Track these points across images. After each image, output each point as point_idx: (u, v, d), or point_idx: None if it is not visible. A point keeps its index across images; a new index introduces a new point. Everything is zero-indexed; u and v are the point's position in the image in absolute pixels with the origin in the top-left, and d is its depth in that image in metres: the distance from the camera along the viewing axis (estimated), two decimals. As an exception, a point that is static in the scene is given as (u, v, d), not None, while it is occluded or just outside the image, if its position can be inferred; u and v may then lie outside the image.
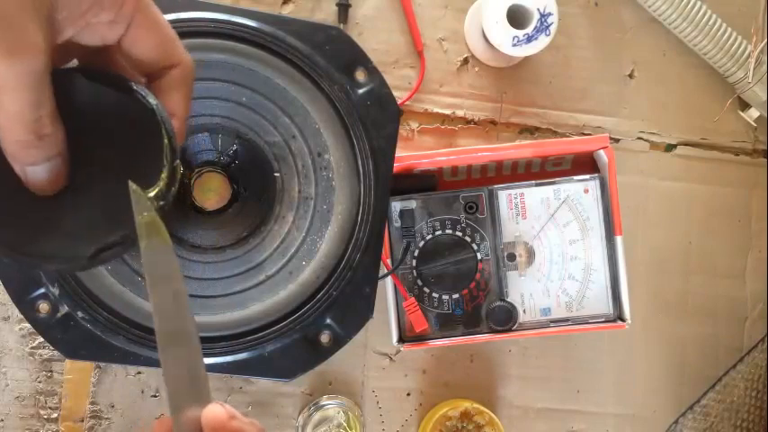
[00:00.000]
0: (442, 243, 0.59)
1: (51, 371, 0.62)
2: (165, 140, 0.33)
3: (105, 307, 0.49)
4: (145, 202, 0.32)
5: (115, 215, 0.33)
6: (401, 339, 0.60)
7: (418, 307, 0.59)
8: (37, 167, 0.31)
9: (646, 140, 0.67)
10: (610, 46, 0.67)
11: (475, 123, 0.66)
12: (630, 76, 0.67)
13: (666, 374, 0.67)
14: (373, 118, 0.51)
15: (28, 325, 0.57)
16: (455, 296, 0.60)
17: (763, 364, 0.64)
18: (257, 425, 0.32)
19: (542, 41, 0.60)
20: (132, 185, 0.32)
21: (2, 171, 0.32)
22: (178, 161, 0.34)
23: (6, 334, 0.62)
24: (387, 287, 0.59)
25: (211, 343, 0.50)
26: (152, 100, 0.33)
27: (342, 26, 0.63)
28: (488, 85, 0.66)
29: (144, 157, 0.33)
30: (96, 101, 0.32)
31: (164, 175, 0.33)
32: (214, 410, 0.31)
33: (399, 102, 0.63)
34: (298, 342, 0.51)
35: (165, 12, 0.47)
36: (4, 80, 0.28)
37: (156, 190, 0.33)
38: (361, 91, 0.51)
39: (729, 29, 0.64)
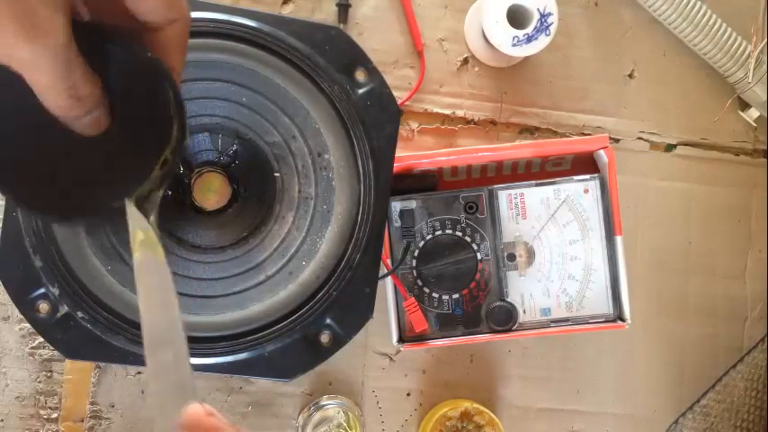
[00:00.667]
0: (442, 243, 0.59)
1: (51, 371, 0.62)
2: (171, 94, 0.34)
3: (105, 307, 0.49)
4: (140, 218, 0.33)
5: (137, 163, 0.34)
6: (401, 339, 0.60)
7: (418, 307, 0.59)
8: (82, 120, 0.33)
9: (646, 140, 0.67)
10: (610, 46, 0.67)
11: (475, 123, 0.66)
12: (630, 76, 0.67)
13: (666, 374, 0.67)
14: (373, 118, 0.51)
15: (28, 325, 0.57)
16: (455, 296, 0.60)
17: (763, 364, 0.64)
18: (236, 426, 0.32)
19: (542, 41, 0.60)
20: (127, 202, 0.33)
21: (21, 136, 0.34)
22: (185, 109, 0.35)
23: (6, 334, 0.62)
24: (387, 287, 0.59)
25: (211, 343, 0.50)
26: (150, 54, 0.34)
27: (342, 26, 0.63)
28: (488, 85, 0.66)
29: (151, 110, 0.34)
30: (98, 57, 0.33)
31: (175, 127, 0.34)
32: (192, 408, 0.31)
33: (399, 102, 0.63)
34: (298, 342, 0.51)
35: (165, 12, 0.47)
36: (30, 62, 0.30)
37: (171, 145, 0.34)
38: (361, 91, 0.51)
39: (729, 29, 0.64)
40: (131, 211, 0.33)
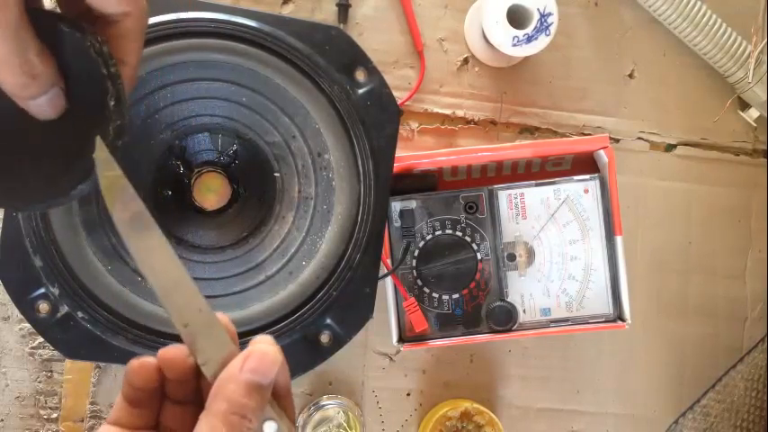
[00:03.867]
0: (442, 243, 0.59)
1: (51, 371, 0.62)
2: (94, 53, 0.34)
3: (105, 307, 0.49)
4: (105, 161, 0.33)
5: (84, 144, 0.34)
6: (401, 339, 0.60)
7: (418, 307, 0.59)
8: (38, 100, 0.34)
9: (646, 140, 0.67)
10: (610, 46, 0.67)
11: (475, 123, 0.66)
12: (630, 76, 0.67)
13: (666, 374, 0.67)
14: (373, 118, 0.51)
15: (28, 325, 0.57)
16: (455, 296, 0.60)
17: (763, 364, 0.64)
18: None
19: (542, 41, 0.60)
20: (98, 142, 0.33)
21: None
22: (117, 70, 0.35)
23: (6, 334, 0.62)
24: (387, 287, 0.59)
25: (211, 343, 0.50)
26: (89, 36, 0.34)
27: (342, 26, 0.63)
28: (488, 85, 0.66)
29: (88, 82, 0.35)
30: (51, 41, 0.34)
31: (111, 103, 0.34)
32: (265, 339, 0.32)
33: (399, 102, 0.63)
34: (298, 342, 0.51)
35: (165, 11, 0.47)
36: None
37: (112, 100, 0.34)
38: (361, 91, 0.51)
39: (729, 29, 0.64)
40: (98, 156, 0.33)
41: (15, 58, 0.31)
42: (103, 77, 0.34)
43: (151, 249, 0.32)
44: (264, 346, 0.32)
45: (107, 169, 0.33)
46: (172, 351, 0.33)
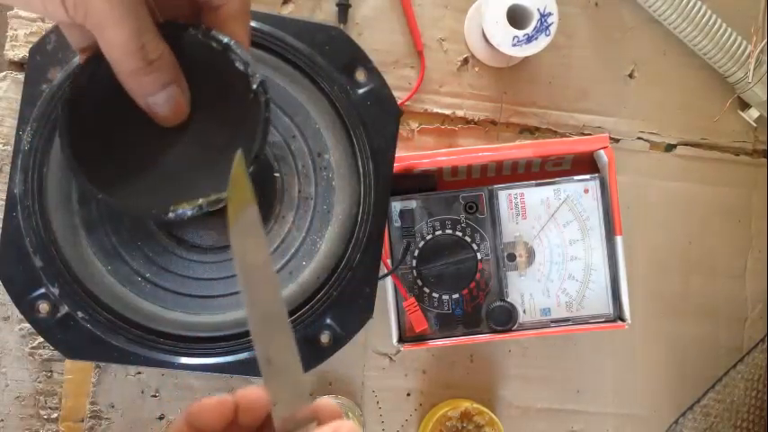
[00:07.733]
0: (442, 243, 0.59)
1: (51, 371, 0.62)
2: (255, 85, 0.34)
3: (105, 307, 0.49)
4: (239, 179, 0.32)
5: (218, 168, 0.34)
6: (401, 339, 0.60)
7: (418, 307, 0.59)
8: (156, 97, 0.33)
9: (646, 140, 0.67)
10: (610, 46, 0.67)
11: (475, 123, 0.66)
12: (630, 76, 0.67)
13: (666, 374, 0.67)
14: (373, 118, 0.51)
15: (28, 325, 0.57)
16: (455, 296, 0.60)
17: (763, 364, 0.64)
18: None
19: (542, 41, 0.60)
20: (237, 154, 0.32)
21: (108, 134, 0.34)
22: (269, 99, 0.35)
23: (6, 334, 0.62)
24: (387, 287, 0.59)
25: (211, 343, 0.50)
26: (222, 36, 0.34)
27: (342, 26, 0.63)
28: (488, 85, 0.66)
29: (232, 98, 0.35)
30: (178, 53, 0.34)
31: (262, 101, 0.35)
32: (330, 402, 0.32)
33: (399, 102, 0.63)
34: (297, 342, 0.51)
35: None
36: (104, 14, 0.30)
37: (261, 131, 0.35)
38: (361, 91, 0.51)
39: (729, 29, 0.64)
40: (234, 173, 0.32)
41: (133, 42, 0.31)
42: (255, 97, 0.34)
43: (260, 282, 0.32)
44: (351, 424, 0.31)
45: (240, 190, 0.32)
46: (254, 393, 0.32)
